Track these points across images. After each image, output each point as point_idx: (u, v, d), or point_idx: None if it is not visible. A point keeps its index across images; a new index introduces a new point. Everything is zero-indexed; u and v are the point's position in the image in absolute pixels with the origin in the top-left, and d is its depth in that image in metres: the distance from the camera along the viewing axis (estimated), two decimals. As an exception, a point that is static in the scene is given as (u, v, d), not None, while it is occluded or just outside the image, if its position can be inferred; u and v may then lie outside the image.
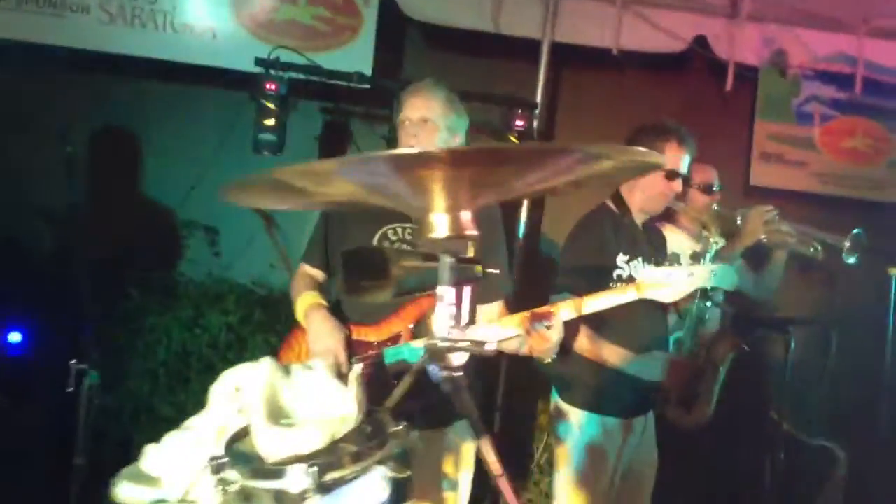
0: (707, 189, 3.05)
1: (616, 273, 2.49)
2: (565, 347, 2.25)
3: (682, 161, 2.55)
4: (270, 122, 3.46)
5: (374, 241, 2.13)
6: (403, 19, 3.80)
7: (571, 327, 2.29)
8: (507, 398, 3.70)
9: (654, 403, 2.63)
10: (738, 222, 2.94)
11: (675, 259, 2.91)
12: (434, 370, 1.11)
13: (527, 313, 1.98)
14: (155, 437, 1.33)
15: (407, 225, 2.14)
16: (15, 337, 3.25)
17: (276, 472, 1.13)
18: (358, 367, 1.28)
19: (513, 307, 2.11)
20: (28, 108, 3.62)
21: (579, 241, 2.57)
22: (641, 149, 1.05)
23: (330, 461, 1.14)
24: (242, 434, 1.25)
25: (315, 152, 3.92)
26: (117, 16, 3.67)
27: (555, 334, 1.95)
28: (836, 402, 3.71)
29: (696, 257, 2.90)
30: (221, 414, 1.31)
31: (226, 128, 3.75)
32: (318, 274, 2.25)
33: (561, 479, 2.55)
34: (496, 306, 2.16)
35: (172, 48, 3.69)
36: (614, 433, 2.53)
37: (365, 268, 1.16)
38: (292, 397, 1.28)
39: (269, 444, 1.17)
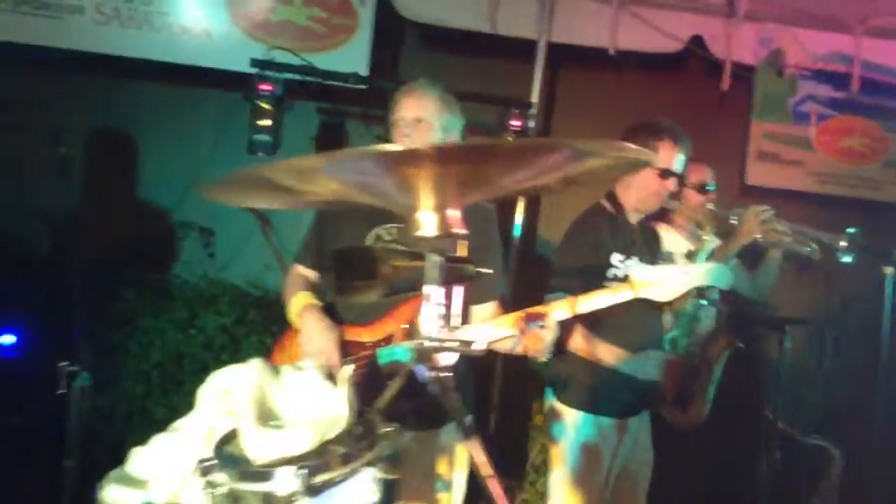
0: (702, 188, 3.05)
1: (611, 272, 2.48)
2: (560, 347, 2.24)
3: (676, 160, 2.54)
4: (265, 122, 3.45)
5: (368, 242, 2.12)
6: (399, 20, 3.79)
7: (566, 326, 2.28)
8: (503, 398, 3.70)
9: (650, 403, 2.62)
10: (734, 221, 2.93)
11: (670, 258, 2.90)
12: (421, 371, 1.10)
13: (521, 313, 1.97)
14: (149, 439, 1.33)
15: (401, 225, 2.14)
16: (8, 339, 3.24)
17: (264, 474, 1.12)
18: (348, 368, 1.27)
19: (508, 307, 2.11)
20: (24, 109, 3.62)
21: (574, 240, 2.56)
22: (631, 145, 1.04)
23: (319, 463, 1.13)
24: (231, 436, 1.25)
25: (311, 153, 3.91)
26: (112, 17, 3.66)
27: (549, 334, 1.94)
28: (831, 401, 3.71)
29: (690, 256, 2.89)
30: (210, 416, 1.30)
31: (221, 129, 3.74)
32: (312, 274, 2.24)
33: (556, 480, 2.54)
34: (490, 306, 2.15)
35: (168, 49, 3.69)
36: (609, 433, 2.52)
37: (355, 267, 1.15)
38: (282, 399, 1.28)
39: (257, 446, 1.17)
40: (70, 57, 3.60)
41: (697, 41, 3.88)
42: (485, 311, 2.14)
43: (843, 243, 2.89)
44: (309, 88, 3.73)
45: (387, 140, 3.64)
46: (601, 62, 3.83)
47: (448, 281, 1.09)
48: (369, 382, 1.88)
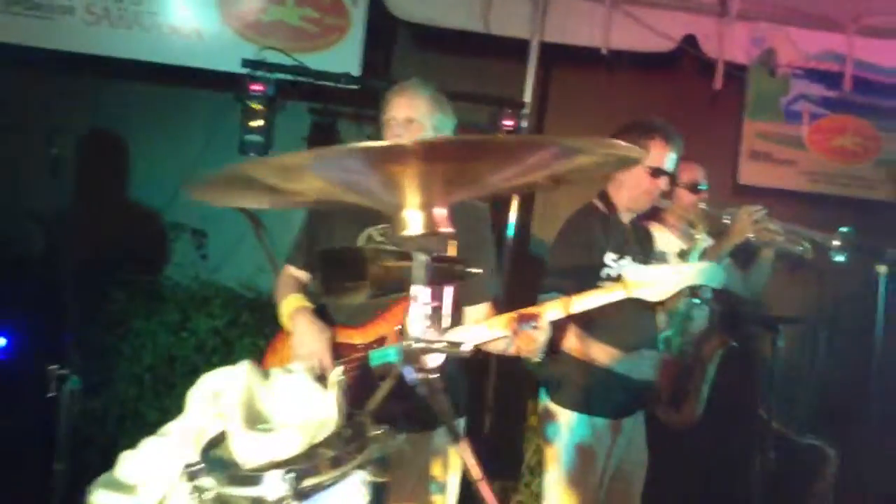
0: (694, 187, 3.05)
1: (605, 272, 2.48)
2: (554, 347, 2.23)
3: (667, 158, 2.54)
4: (257, 123, 3.43)
5: (360, 242, 2.10)
6: (391, 19, 3.78)
7: (560, 326, 2.28)
8: (498, 399, 3.69)
9: (644, 403, 2.62)
10: (726, 221, 2.93)
11: (663, 257, 2.90)
12: (409, 372, 1.09)
13: (513, 314, 1.97)
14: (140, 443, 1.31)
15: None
16: (-1, 341, 3.22)
17: (252, 478, 1.11)
18: (338, 371, 1.26)
19: (502, 307, 2.10)
20: (15, 109, 3.60)
21: (567, 240, 2.56)
22: (619, 142, 1.03)
23: (308, 467, 1.12)
24: (220, 439, 1.23)
25: (303, 153, 3.89)
26: (103, 17, 3.64)
27: (541, 335, 1.93)
28: (825, 400, 3.71)
29: (683, 255, 2.89)
30: (199, 419, 1.29)
31: (213, 129, 3.72)
32: (303, 275, 2.23)
33: (551, 481, 2.54)
34: (483, 308, 2.14)
35: (158, 50, 3.67)
36: (603, 434, 2.52)
37: (342, 268, 1.13)
38: (271, 401, 1.26)
39: (245, 449, 1.15)
40: (60, 57, 3.58)
41: (690, 40, 3.88)
42: (478, 312, 2.13)
43: (835, 242, 2.89)
44: (301, 89, 3.71)
45: (377, 140, 3.64)
46: (594, 62, 3.83)
47: (436, 281, 1.08)
48: (362, 385, 1.87)
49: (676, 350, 2.67)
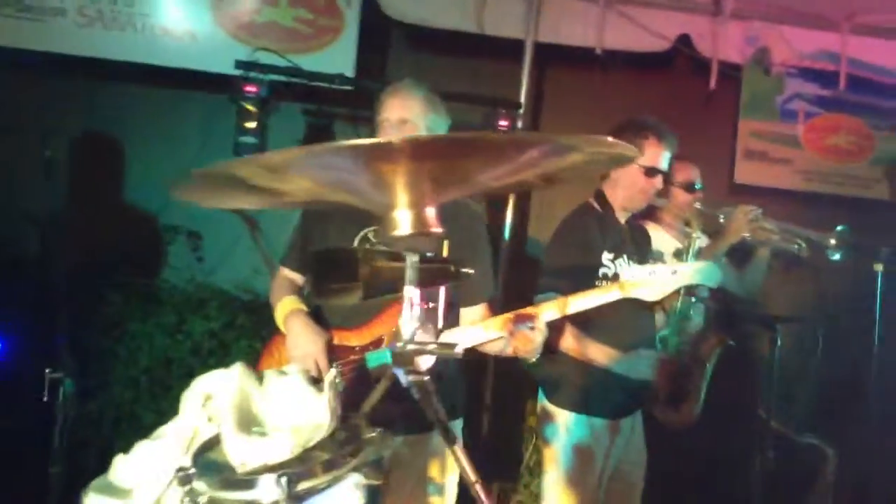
0: (689, 187, 3.05)
1: (601, 271, 2.47)
2: (551, 347, 2.23)
3: (661, 157, 2.54)
4: (251, 124, 3.42)
5: (355, 244, 2.09)
6: (385, 20, 3.77)
7: (557, 327, 2.27)
8: (496, 399, 3.68)
9: (642, 402, 2.61)
10: (722, 220, 2.93)
11: (659, 257, 2.90)
12: (401, 374, 1.08)
13: (510, 315, 1.96)
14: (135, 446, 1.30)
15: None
16: (-6, 344, 3.20)
17: (246, 482, 1.10)
18: (333, 373, 1.25)
19: (499, 308, 2.09)
20: (8, 112, 3.58)
21: (564, 240, 2.55)
22: (610, 139, 1.02)
23: (302, 470, 1.11)
24: (213, 443, 1.22)
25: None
26: (95, 19, 3.62)
27: (538, 335, 1.92)
28: (823, 400, 3.71)
29: (679, 255, 2.88)
30: (193, 422, 1.28)
31: (207, 131, 3.71)
32: (298, 277, 2.22)
33: (550, 481, 2.53)
34: (479, 309, 2.13)
35: (152, 51, 3.65)
36: (602, 434, 2.51)
37: (334, 268, 1.12)
38: (264, 404, 1.25)
39: (239, 453, 1.14)
40: (54, 59, 3.56)
41: (684, 40, 3.88)
42: (474, 313, 2.13)
43: (831, 241, 2.89)
44: (295, 90, 3.70)
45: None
46: (588, 62, 3.82)
47: (428, 281, 1.07)
48: (359, 387, 1.86)
49: (673, 349, 2.66)
